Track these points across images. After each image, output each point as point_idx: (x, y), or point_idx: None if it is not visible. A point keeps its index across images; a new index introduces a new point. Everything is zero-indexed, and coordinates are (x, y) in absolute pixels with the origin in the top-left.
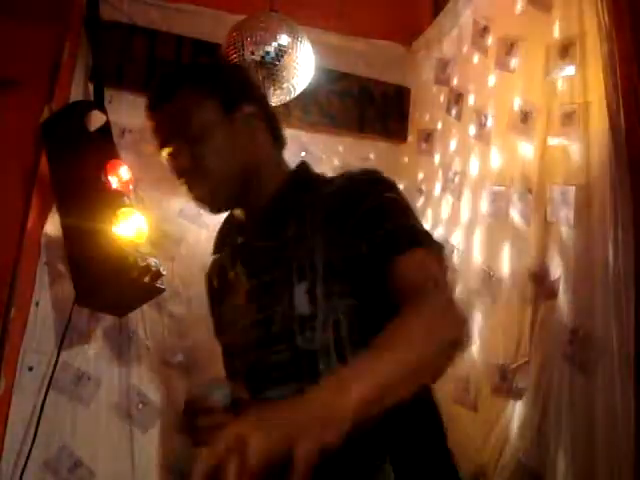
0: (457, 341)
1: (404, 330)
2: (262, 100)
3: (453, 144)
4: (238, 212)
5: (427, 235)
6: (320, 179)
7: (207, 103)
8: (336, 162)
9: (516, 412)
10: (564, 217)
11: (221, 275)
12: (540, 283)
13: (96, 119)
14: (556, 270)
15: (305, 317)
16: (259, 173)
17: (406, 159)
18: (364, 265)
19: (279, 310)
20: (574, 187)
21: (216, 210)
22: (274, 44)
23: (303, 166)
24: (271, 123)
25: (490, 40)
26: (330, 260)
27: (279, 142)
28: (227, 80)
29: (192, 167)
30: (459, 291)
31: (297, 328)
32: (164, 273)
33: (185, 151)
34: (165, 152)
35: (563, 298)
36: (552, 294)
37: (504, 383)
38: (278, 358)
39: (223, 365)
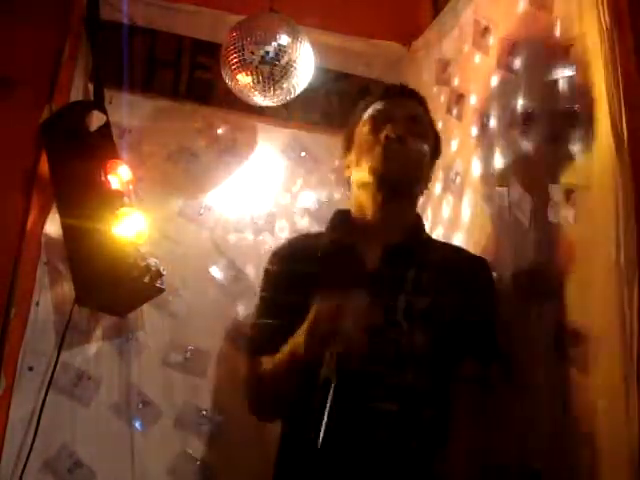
0: None
1: None
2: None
3: (454, 144)
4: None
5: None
6: (432, 239)
7: (431, 138)
8: (336, 162)
9: (516, 412)
10: (564, 217)
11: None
12: (540, 283)
13: (96, 119)
14: (556, 270)
15: (419, 356)
16: (416, 199)
17: None
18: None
19: (396, 341)
20: (575, 187)
21: (399, 175)
22: (274, 44)
23: (422, 220)
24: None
25: (491, 40)
26: (447, 322)
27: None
28: (439, 140)
29: (417, 153)
30: None
31: (410, 362)
32: (164, 273)
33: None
34: (407, 120)
35: (563, 298)
36: (552, 294)
37: (504, 383)
38: (404, 379)
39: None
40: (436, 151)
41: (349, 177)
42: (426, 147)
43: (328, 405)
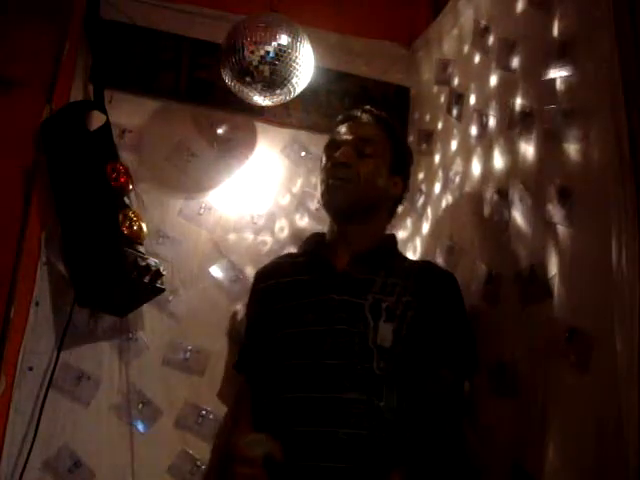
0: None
1: None
2: (407, 182)
3: (454, 144)
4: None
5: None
6: (401, 254)
7: (390, 154)
8: None
9: (514, 413)
10: (564, 217)
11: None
12: (539, 283)
13: (96, 119)
14: (554, 269)
15: (385, 349)
16: (380, 216)
17: None
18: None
19: (363, 334)
20: (574, 187)
21: (339, 204)
22: (274, 44)
23: (394, 239)
24: (401, 200)
25: (491, 40)
26: (411, 318)
27: (394, 217)
28: (404, 153)
29: (367, 174)
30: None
31: (376, 355)
32: (164, 273)
33: (371, 159)
34: (356, 143)
35: (562, 298)
36: (551, 294)
37: (503, 383)
38: (357, 371)
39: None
40: (399, 166)
41: None
42: (379, 165)
43: None
